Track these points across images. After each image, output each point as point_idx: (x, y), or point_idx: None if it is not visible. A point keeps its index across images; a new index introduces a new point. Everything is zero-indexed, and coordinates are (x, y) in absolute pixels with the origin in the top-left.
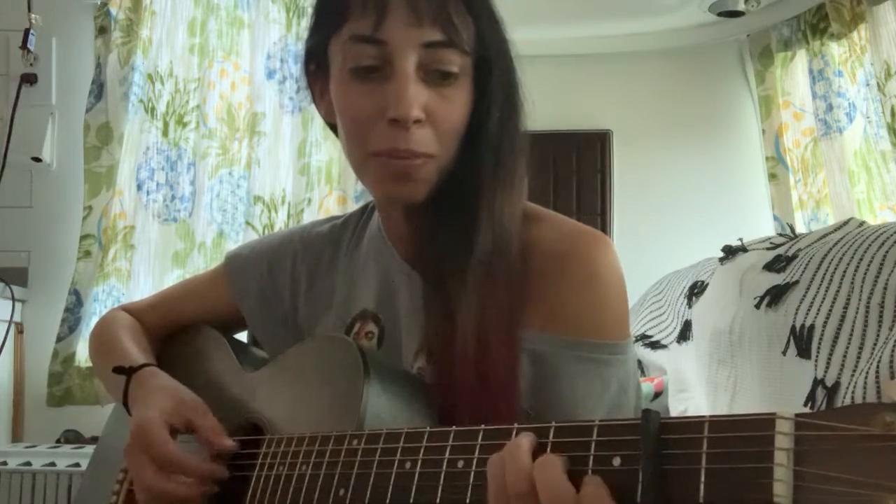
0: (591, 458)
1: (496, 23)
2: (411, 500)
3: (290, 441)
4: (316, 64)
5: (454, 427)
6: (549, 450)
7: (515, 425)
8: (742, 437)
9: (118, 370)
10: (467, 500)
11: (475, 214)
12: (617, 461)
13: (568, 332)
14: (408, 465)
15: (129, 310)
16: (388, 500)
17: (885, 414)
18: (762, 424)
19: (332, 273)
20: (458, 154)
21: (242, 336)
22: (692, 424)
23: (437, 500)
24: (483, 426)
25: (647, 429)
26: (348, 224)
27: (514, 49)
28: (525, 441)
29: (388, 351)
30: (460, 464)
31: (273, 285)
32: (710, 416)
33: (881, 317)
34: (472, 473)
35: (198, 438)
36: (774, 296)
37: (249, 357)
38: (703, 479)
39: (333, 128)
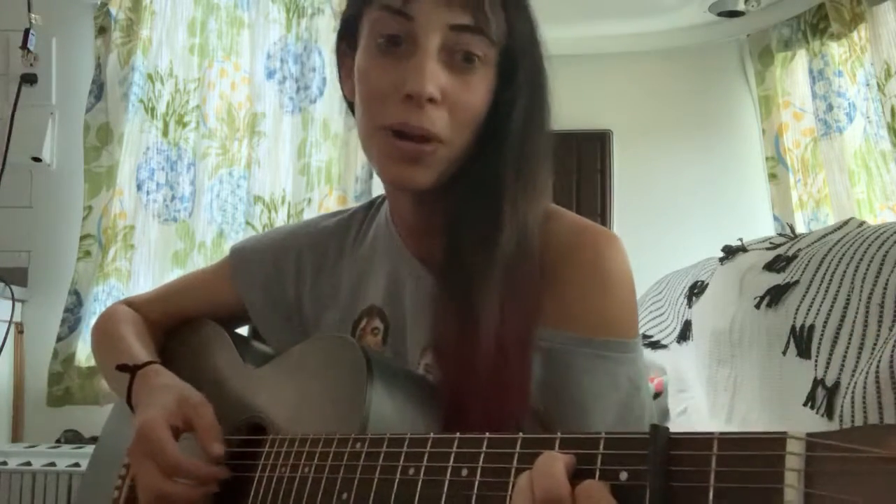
0: (598, 471)
1: (529, 20)
2: None
3: (293, 442)
4: (347, 42)
5: (458, 434)
6: None
7: (520, 435)
8: (752, 456)
9: (122, 368)
10: None
11: (498, 215)
12: (624, 475)
13: (578, 329)
14: (411, 471)
15: (132, 303)
16: None
17: None
18: (772, 444)
19: (337, 268)
20: (477, 148)
21: (244, 330)
22: (701, 441)
23: None
24: (487, 434)
25: (656, 443)
26: (354, 218)
27: (545, 49)
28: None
29: (393, 347)
30: (464, 472)
31: (278, 279)
32: (720, 434)
33: (881, 317)
34: (477, 483)
35: (196, 439)
36: (774, 296)
37: (251, 352)
38: (711, 498)
39: (353, 107)
